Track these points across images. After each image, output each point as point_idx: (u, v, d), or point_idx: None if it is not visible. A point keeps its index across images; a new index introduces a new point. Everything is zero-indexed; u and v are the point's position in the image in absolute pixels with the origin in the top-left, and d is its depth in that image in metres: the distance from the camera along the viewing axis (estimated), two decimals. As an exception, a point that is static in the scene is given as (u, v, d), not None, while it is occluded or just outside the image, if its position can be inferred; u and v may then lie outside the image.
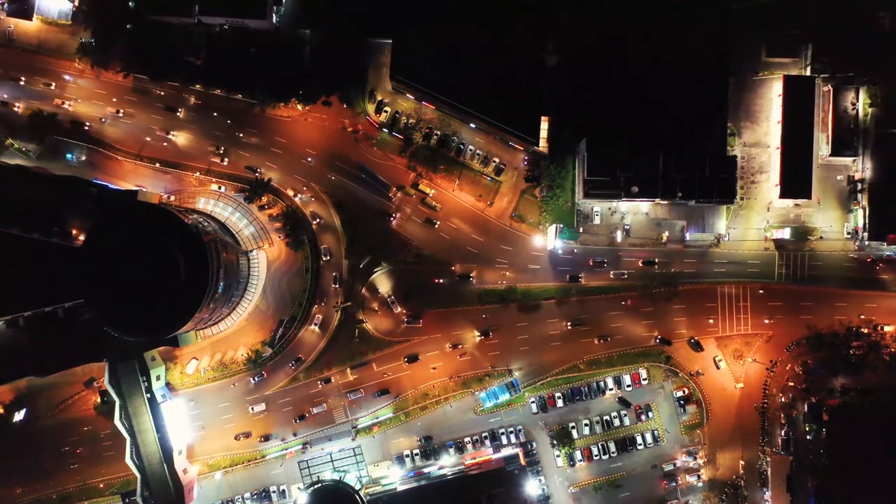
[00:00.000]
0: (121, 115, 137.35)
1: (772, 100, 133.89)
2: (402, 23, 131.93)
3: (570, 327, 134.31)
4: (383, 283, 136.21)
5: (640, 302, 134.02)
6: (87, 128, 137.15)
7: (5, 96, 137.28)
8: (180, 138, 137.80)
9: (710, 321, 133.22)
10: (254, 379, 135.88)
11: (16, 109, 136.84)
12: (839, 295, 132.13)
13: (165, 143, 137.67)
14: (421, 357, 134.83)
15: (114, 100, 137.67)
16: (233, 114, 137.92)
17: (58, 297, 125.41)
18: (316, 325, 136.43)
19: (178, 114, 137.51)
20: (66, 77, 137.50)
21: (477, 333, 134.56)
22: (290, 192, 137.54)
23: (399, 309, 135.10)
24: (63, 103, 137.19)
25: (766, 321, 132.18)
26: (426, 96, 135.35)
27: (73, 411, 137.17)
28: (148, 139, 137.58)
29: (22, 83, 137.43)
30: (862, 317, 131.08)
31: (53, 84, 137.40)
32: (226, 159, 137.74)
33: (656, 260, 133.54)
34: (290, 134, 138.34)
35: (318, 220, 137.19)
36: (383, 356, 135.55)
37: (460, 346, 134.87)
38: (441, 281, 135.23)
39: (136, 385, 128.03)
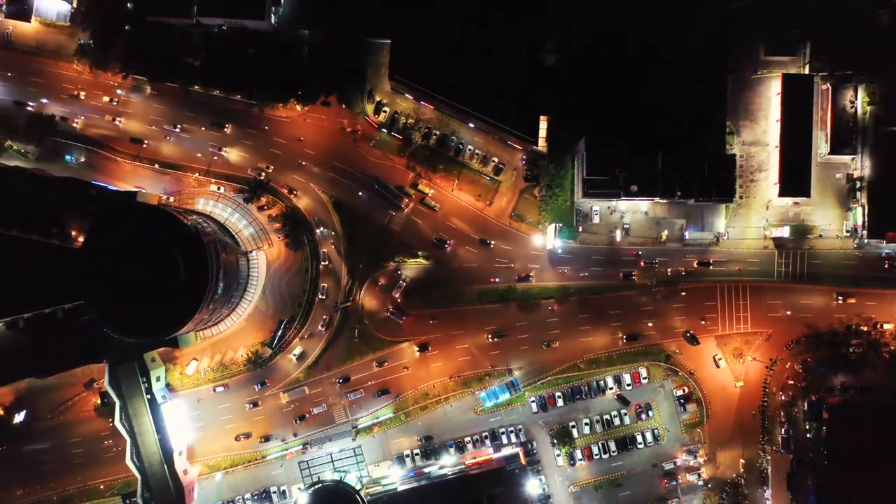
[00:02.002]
0: (178, 129, 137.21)
1: (770, 98, 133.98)
2: (400, 23, 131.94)
3: (491, 340, 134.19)
4: (409, 271, 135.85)
5: (640, 300, 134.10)
6: (145, 145, 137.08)
7: (72, 112, 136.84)
8: (232, 155, 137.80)
9: (704, 322, 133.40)
10: (215, 390, 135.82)
11: (74, 125, 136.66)
12: (839, 293, 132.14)
13: (216, 158, 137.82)
14: (351, 378, 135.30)
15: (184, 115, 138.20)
16: (232, 114, 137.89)
17: (57, 299, 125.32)
18: (294, 355, 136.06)
19: (226, 129, 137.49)
20: (119, 91, 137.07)
21: (416, 349, 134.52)
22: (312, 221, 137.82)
23: (398, 295, 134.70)
24: (114, 119, 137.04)
25: (702, 321, 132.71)
26: (425, 96, 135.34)
27: (74, 413, 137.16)
28: (199, 155, 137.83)
29: (82, 97, 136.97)
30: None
31: (116, 100, 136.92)
32: (262, 173, 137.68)
33: (710, 260, 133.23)
34: (289, 134, 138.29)
35: (327, 261, 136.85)
36: (317, 379, 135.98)
37: (387, 364, 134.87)
38: (496, 280, 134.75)
39: (137, 386, 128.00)
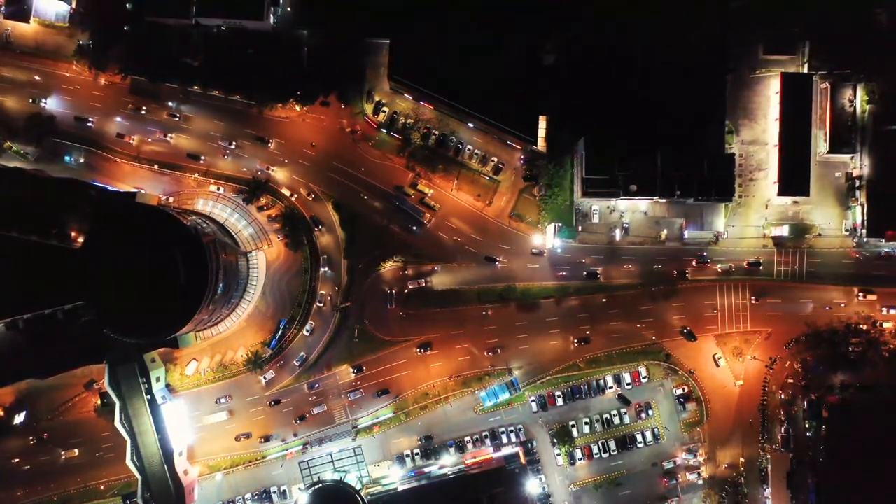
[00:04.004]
0: (233, 146, 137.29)
1: (769, 97, 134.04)
2: (399, 23, 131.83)
3: (420, 353, 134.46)
4: (437, 278, 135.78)
5: (639, 300, 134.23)
6: (202, 161, 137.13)
7: (129, 129, 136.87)
8: (279, 174, 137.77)
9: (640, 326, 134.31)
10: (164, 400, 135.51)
11: (130, 142, 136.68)
12: (838, 292, 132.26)
13: (260, 173, 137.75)
14: (281, 401, 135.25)
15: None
16: (231, 115, 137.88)
17: (57, 300, 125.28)
18: (265, 378, 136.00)
19: (269, 144, 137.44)
20: (171, 103, 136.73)
21: (352, 370, 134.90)
22: (321, 262, 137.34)
23: (411, 287, 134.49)
24: (165, 135, 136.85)
25: (637, 325, 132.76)
26: (424, 96, 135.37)
27: (74, 413, 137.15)
28: (244, 169, 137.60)
29: (143, 112, 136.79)
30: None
31: (178, 115, 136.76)
32: (295, 195, 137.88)
33: (761, 260, 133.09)
34: (289, 135, 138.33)
35: (322, 303, 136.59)
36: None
37: (318, 387, 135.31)
38: (563, 274, 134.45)
39: (137, 387, 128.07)
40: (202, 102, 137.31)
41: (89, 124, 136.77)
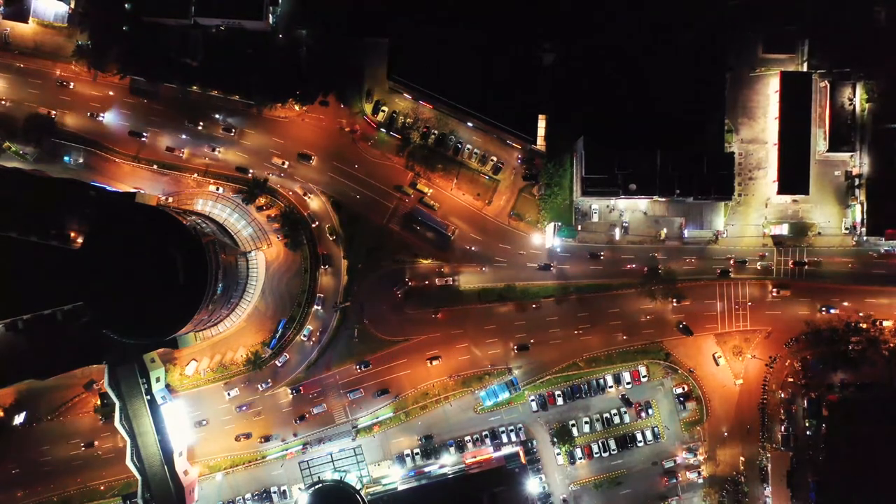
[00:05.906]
0: (286, 165, 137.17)
1: (769, 96, 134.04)
2: (398, 22, 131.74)
3: (359, 370, 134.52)
4: (464, 279, 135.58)
5: (639, 300, 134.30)
6: (250, 175, 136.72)
7: (180, 143, 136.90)
8: (314, 203, 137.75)
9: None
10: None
11: (180, 155, 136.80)
12: (838, 290, 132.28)
13: (299, 201, 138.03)
14: (207, 422, 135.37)
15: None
16: (230, 115, 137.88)
17: (56, 300, 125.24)
18: (228, 395, 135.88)
19: (312, 161, 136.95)
20: (217, 116, 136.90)
21: (289, 391, 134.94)
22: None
23: (437, 282, 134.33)
24: (214, 150, 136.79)
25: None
26: (423, 96, 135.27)
27: (74, 414, 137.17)
28: (278, 186, 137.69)
29: (200, 127, 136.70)
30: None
31: (234, 130, 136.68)
32: (316, 223, 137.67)
33: (806, 260, 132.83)
34: (288, 135, 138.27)
35: (305, 337, 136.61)
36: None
37: (245, 409, 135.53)
38: (631, 267, 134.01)
39: (136, 387, 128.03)
40: (252, 116, 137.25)
41: (143, 139, 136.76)
